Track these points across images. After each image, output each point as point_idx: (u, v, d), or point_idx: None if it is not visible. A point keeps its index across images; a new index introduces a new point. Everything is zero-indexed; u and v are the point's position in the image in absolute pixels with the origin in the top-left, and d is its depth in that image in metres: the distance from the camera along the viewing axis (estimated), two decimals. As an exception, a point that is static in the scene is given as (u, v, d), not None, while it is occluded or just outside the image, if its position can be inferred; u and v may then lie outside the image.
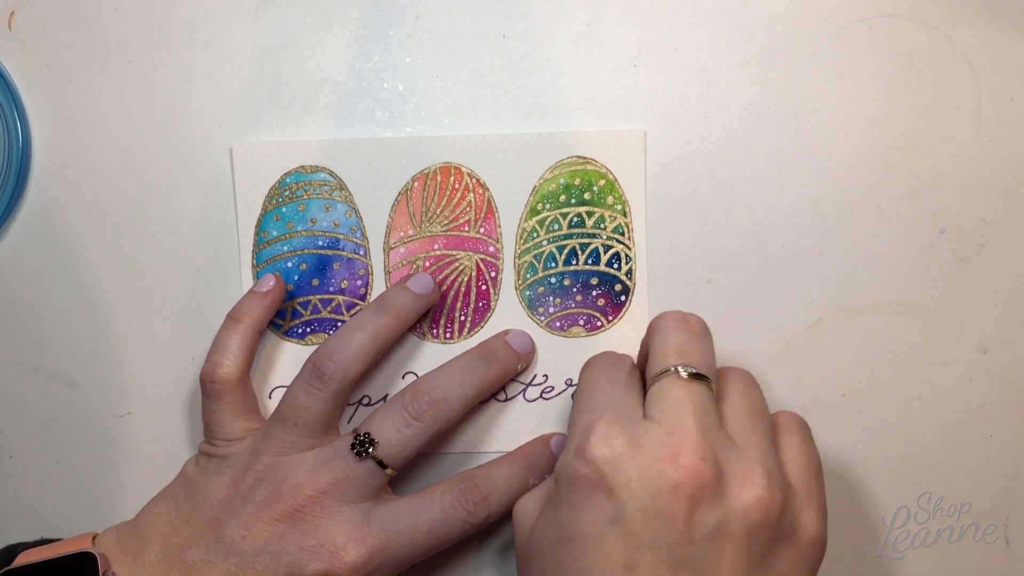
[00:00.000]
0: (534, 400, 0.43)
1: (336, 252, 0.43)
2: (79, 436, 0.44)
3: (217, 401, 0.40)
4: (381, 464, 0.37)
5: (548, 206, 0.42)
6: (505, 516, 0.39)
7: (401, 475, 0.43)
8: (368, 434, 0.38)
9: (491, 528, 0.42)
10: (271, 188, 0.43)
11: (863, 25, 0.41)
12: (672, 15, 0.42)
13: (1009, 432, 0.42)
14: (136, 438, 0.44)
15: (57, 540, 0.39)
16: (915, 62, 0.41)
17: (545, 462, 0.41)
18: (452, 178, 0.43)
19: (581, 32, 0.42)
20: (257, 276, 0.43)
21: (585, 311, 0.43)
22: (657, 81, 0.42)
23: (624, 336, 0.42)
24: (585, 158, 0.42)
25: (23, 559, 0.37)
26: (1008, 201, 0.42)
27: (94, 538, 0.38)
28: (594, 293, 0.43)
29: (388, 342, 0.40)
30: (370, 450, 0.37)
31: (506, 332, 0.42)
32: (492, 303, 0.43)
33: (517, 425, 0.43)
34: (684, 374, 0.34)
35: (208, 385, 0.40)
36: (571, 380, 0.43)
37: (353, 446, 0.37)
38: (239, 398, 0.40)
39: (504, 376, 0.41)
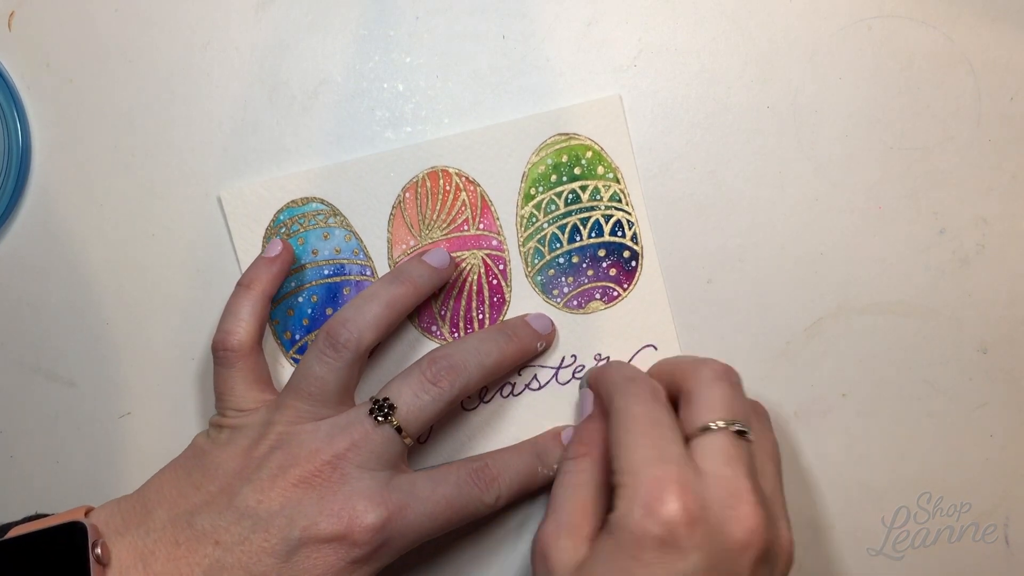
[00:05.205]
0: (567, 382, 0.43)
1: (344, 278, 0.43)
2: (79, 436, 0.44)
3: (230, 368, 0.39)
4: (399, 430, 0.37)
5: (541, 188, 0.42)
6: (515, 503, 0.40)
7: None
8: (387, 399, 0.37)
9: (494, 522, 0.42)
10: (266, 229, 0.43)
11: (863, 25, 0.41)
12: (672, 15, 0.42)
13: (1009, 432, 0.42)
14: (136, 438, 0.44)
15: (49, 515, 0.39)
16: (915, 62, 0.41)
17: (555, 455, 0.41)
18: (441, 181, 0.42)
19: (581, 32, 0.42)
20: (271, 316, 0.43)
21: (600, 284, 0.42)
22: (657, 81, 0.42)
23: (643, 301, 0.42)
24: (567, 134, 0.42)
25: (14, 533, 0.36)
26: (1008, 201, 0.42)
27: (89, 512, 0.38)
28: (604, 264, 0.42)
29: (403, 312, 0.40)
30: (389, 415, 0.37)
31: (525, 315, 0.42)
32: (506, 295, 0.43)
33: (556, 409, 0.43)
34: (734, 431, 0.35)
35: (220, 353, 0.39)
36: (600, 354, 0.42)
37: (372, 411, 0.37)
38: (251, 366, 0.40)
39: (523, 353, 0.41)
